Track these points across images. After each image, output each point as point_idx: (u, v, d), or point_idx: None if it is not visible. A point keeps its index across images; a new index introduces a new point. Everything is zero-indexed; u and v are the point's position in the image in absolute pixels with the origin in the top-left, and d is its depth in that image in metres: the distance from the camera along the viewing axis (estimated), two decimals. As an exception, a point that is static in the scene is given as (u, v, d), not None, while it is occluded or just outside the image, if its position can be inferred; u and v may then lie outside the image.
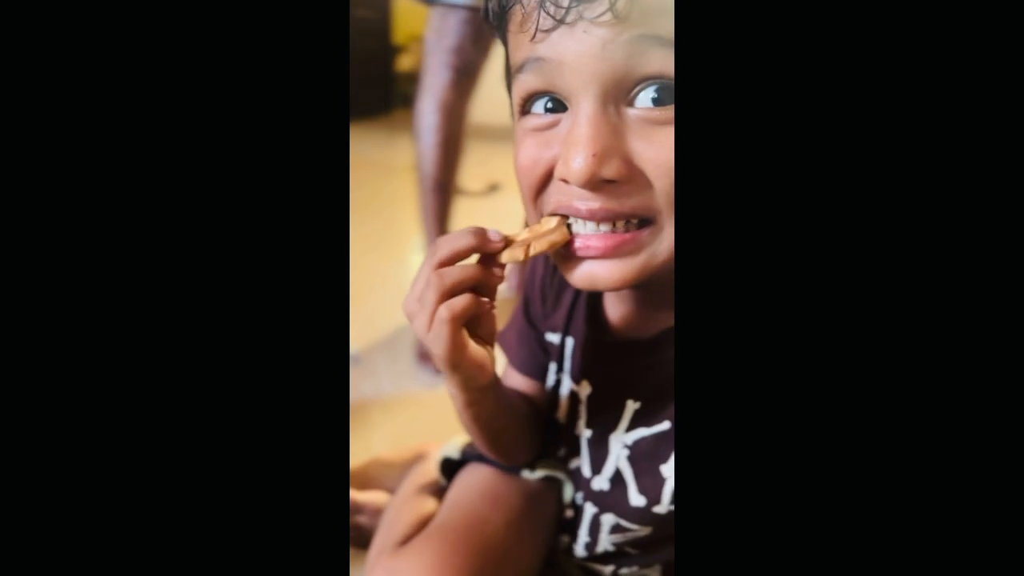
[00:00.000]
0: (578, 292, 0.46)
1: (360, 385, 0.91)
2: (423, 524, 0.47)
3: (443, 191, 0.94)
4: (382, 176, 2.09)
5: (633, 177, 0.31)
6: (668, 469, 0.40)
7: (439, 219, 0.96)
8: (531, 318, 0.50)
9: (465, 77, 0.88)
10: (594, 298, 0.45)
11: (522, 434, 0.47)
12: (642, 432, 0.41)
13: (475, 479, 0.50)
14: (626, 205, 0.32)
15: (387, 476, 0.69)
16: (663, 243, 0.33)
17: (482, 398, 0.39)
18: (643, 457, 0.41)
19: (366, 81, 2.88)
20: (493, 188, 2.00)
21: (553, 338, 0.48)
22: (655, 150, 0.31)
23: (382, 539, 0.49)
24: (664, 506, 0.40)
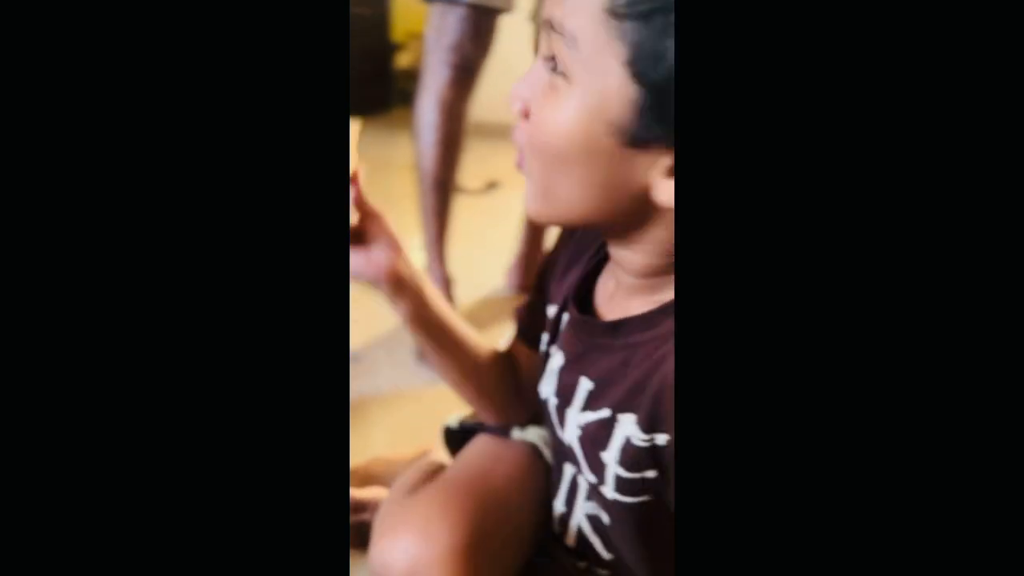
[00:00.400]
0: (585, 269, 0.48)
1: (359, 382, 0.91)
2: (431, 479, 0.50)
3: (443, 189, 0.94)
4: (381, 174, 2.09)
5: (526, 122, 0.38)
6: (608, 456, 0.41)
7: (438, 216, 0.96)
8: (543, 290, 0.53)
9: (465, 75, 0.88)
10: (593, 276, 0.47)
11: (502, 391, 0.53)
12: (590, 416, 0.43)
13: (479, 442, 0.54)
14: (520, 143, 0.39)
15: (388, 473, 0.69)
16: (528, 190, 0.40)
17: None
18: (589, 441, 0.43)
19: (364, 79, 2.87)
20: (492, 186, 2.00)
21: (551, 310, 0.50)
22: (540, 107, 0.37)
23: (393, 492, 0.51)
24: (609, 490, 0.42)
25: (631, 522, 0.43)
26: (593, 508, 0.46)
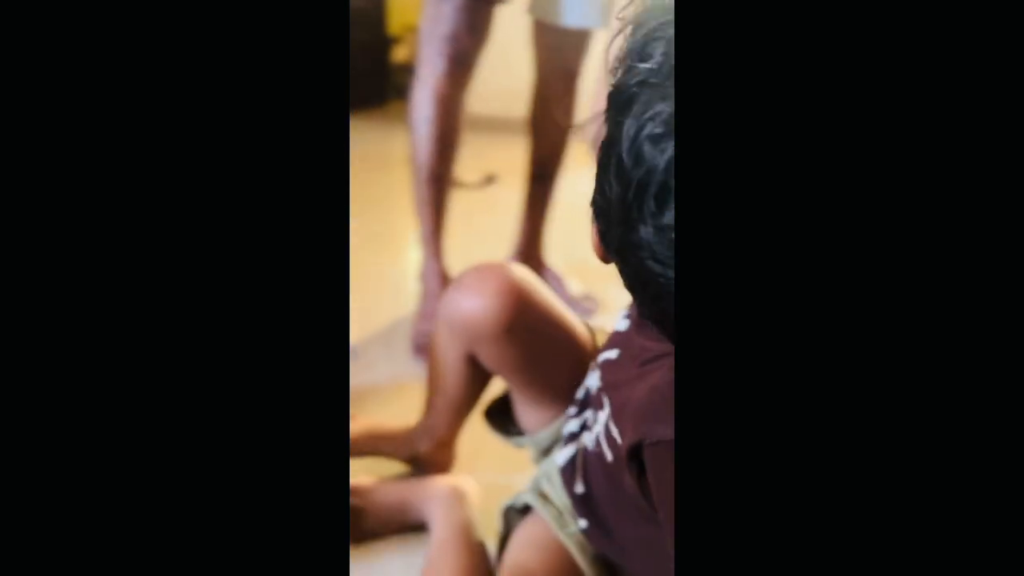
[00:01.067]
0: None
1: (357, 377, 0.90)
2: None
3: (439, 183, 0.93)
4: (378, 169, 2.08)
5: None
6: (602, 415, 0.47)
7: (435, 211, 0.96)
8: None
9: (460, 67, 0.87)
10: None
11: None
12: (595, 378, 0.49)
13: (527, 535, 0.56)
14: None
15: (384, 446, 0.70)
16: None
17: None
18: (597, 394, 0.49)
19: (361, 73, 2.85)
20: (490, 180, 2.00)
21: None
22: None
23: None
24: (602, 440, 0.48)
25: (601, 478, 0.47)
26: (594, 444, 0.50)
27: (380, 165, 2.13)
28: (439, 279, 1.00)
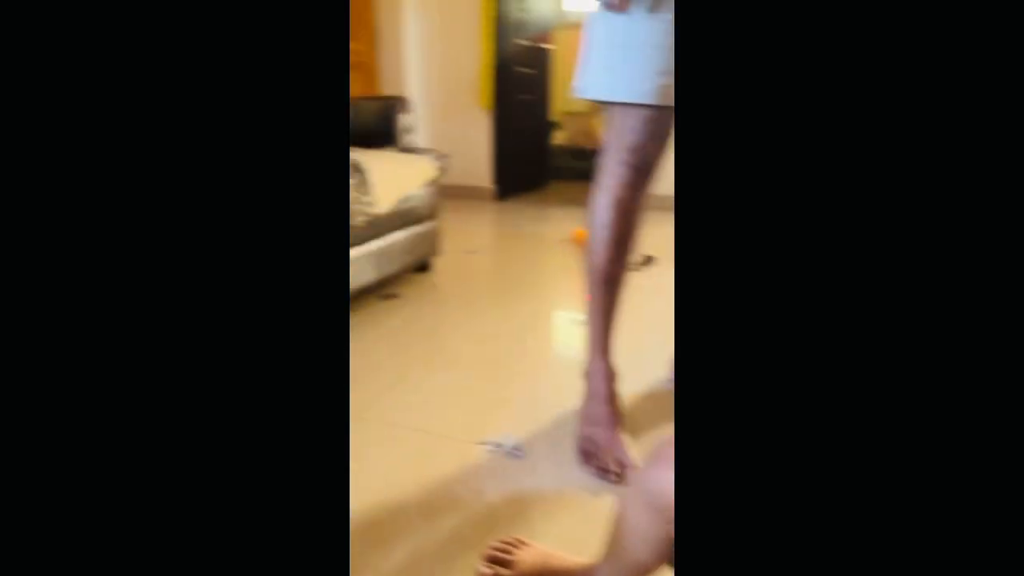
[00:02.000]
0: None
1: (523, 480, 0.89)
2: None
3: (612, 285, 0.92)
4: (537, 247, 2.15)
5: None
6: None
7: (606, 313, 0.94)
8: None
9: (643, 174, 0.87)
10: None
11: None
12: None
13: None
14: None
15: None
16: None
17: None
18: None
19: (528, 158, 3.03)
20: (648, 262, 1.96)
21: None
22: None
23: None
24: None
25: None
26: None
27: (543, 245, 2.20)
28: (605, 380, 0.97)
